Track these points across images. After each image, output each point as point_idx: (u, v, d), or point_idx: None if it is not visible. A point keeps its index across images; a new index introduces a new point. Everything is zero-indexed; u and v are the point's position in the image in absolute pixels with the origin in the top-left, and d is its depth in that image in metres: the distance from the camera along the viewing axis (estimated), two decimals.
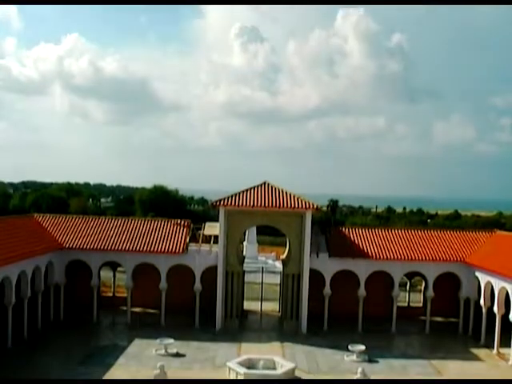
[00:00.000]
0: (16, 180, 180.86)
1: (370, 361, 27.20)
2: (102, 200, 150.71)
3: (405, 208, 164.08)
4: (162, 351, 27.37)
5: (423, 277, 34.97)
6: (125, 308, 34.13)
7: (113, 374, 24.18)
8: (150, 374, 21.91)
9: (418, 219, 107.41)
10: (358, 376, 20.22)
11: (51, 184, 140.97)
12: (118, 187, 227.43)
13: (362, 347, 27.62)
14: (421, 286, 39.61)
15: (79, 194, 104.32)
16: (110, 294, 38.78)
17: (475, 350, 29.52)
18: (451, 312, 35.39)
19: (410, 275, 37.23)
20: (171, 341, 27.79)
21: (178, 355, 27.29)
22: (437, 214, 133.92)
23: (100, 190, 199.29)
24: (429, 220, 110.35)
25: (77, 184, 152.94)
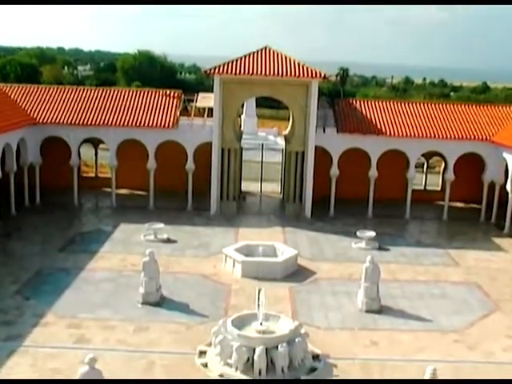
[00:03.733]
0: None
1: (381, 248, 27.79)
2: (79, 68, 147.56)
3: (425, 79, 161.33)
4: (152, 237, 27.88)
5: (443, 157, 34.88)
6: (109, 190, 34.40)
7: (97, 262, 24.75)
8: (137, 262, 22.42)
9: (440, 92, 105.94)
10: (366, 265, 20.65)
11: (19, 49, 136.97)
12: (98, 53, 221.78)
13: (372, 234, 28.09)
14: (440, 167, 39.71)
15: (52, 61, 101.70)
16: (92, 175, 38.96)
17: (498, 240, 30.05)
18: (473, 197, 35.76)
19: (428, 155, 37.14)
20: (161, 225, 28.21)
21: (168, 241, 27.85)
22: (462, 86, 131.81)
23: (76, 55, 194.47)
24: (452, 93, 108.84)
25: (49, 49, 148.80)
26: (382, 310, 20.85)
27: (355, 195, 34.43)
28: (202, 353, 17.34)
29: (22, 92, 34.59)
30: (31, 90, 34.92)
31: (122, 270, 23.94)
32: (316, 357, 17.34)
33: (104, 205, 34.26)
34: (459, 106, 35.58)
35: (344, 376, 16.33)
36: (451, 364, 17.17)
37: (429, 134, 32.86)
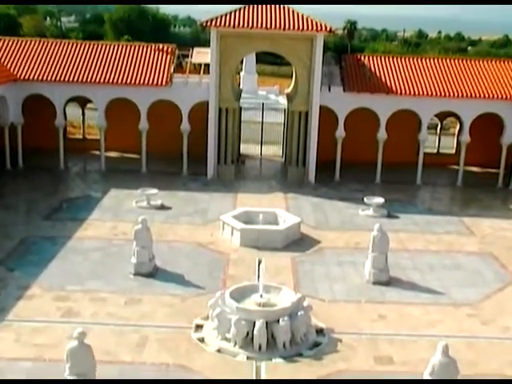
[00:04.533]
0: None
1: (390, 216, 27.82)
2: (63, 19, 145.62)
3: (440, 32, 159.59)
4: (144, 203, 27.89)
5: (458, 118, 34.65)
6: (97, 153, 34.28)
7: (85, 230, 24.78)
8: (129, 230, 22.43)
9: (456, 46, 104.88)
10: (374, 233, 20.65)
11: None
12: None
13: (381, 200, 28.08)
14: (454, 128, 39.53)
15: (33, 11, 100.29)
16: (80, 136, 38.79)
17: None
18: (490, 161, 35.67)
19: (442, 116, 36.91)
20: (154, 191, 28.20)
21: (162, 208, 27.87)
22: (480, 39, 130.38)
23: (60, 6, 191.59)
24: (470, 47, 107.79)
25: None
26: (390, 282, 20.92)
27: (363, 159, 34.32)
28: (199, 327, 17.47)
29: (0, 45, 34.12)
30: (10, 43, 34.41)
31: (113, 238, 23.97)
32: (320, 331, 17.47)
33: (92, 169, 34.17)
34: (477, 62, 35.15)
35: (349, 352, 16.47)
36: (464, 340, 17.31)
37: (443, 93, 32.56)
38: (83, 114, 38.36)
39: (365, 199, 28.19)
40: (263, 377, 15.18)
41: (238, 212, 25.59)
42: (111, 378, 14.51)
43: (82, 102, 36.80)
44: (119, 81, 32.13)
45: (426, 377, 13.17)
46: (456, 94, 32.54)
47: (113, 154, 35.82)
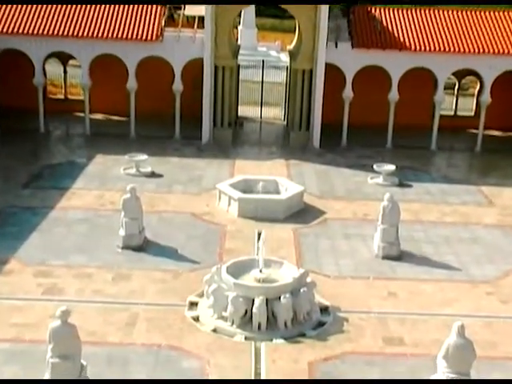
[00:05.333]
0: None
1: (401, 185, 27.78)
2: None
3: None
4: (133, 170, 27.86)
5: (478, 76, 34.44)
6: (81, 114, 34.08)
7: (69, 200, 24.76)
8: (117, 199, 22.38)
9: None
10: (384, 203, 20.61)
11: None
12: None
13: (392, 167, 28.02)
14: (474, 88, 39.20)
15: None
16: (61, 96, 38.56)
17: None
18: None
19: (461, 74, 36.58)
20: (144, 157, 28.11)
21: (153, 175, 27.82)
22: None
23: None
24: None
25: None
26: (401, 256, 20.97)
27: (372, 122, 34.10)
28: (193, 305, 17.54)
29: None
30: None
31: (99, 209, 23.97)
32: (324, 309, 17.55)
33: (76, 132, 34.04)
34: (500, 13, 34.71)
35: (356, 332, 16.55)
36: (481, 319, 17.38)
37: (462, 49, 32.23)
38: (65, 71, 38.01)
39: (374, 166, 28.11)
40: (263, 359, 15.25)
41: (235, 180, 25.56)
42: (97, 359, 14.60)
43: (64, 58, 36.44)
44: (105, 35, 31.72)
45: (440, 360, 13.20)
46: (476, 50, 32.20)
47: (98, 117, 35.63)
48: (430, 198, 26.59)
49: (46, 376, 12.87)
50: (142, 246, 20.91)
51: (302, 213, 24.38)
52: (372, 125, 34.05)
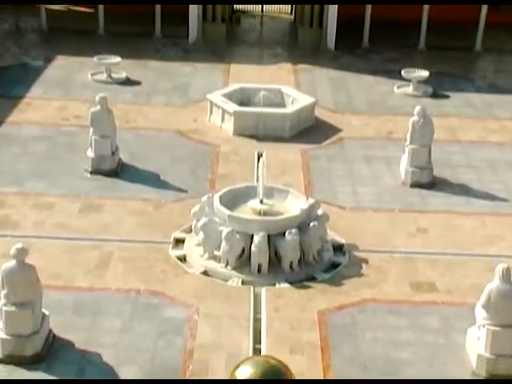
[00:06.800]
0: None
1: (436, 95, 27.63)
2: None
3: None
4: (103, 76, 27.71)
5: None
6: (36, 4, 33.54)
7: (23, 112, 24.66)
8: (83, 112, 22.28)
9: None
10: (414, 118, 20.41)
11: None
12: None
13: (424, 73, 27.85)
14: None
15: None
16: None
17: None
18: None
19: None
20: (117, 59, 27.93)
21: (128, 82, 27.72)
22: None
23: None
24: None
25: None
26: (434, 184, 21.01)
27: (401, 17, 33.60)
28: (178, 242, 17.64)
29: None
30: None
31: (61, 124, 23.92)
32: (339, 248, 17.66)
33: (29, 27, 33.85)
34: None
35: (378, 275, 16.68)
36: None
37: None
38: None
39: (402, 72, 27.95)
40: (263, 307, 15.41)
41: (230, 89, 25.40)
42: (62, 308, 14.77)
43: None
44: None
45: (479, 309, 13.35)
46: None
47: (57, 7, 35.20)
48: (472, 112, 26.51)
49: None
50: (115, 170, 20.89)
51: (312, 130, 24.32)
52: (401, 20, 33.60)
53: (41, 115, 24.40)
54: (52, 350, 13.49)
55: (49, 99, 25.69)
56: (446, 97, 27.73)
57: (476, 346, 13.52)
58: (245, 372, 10.51)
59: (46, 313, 13.43)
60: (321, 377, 13.19)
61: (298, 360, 13.42)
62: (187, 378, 13.02)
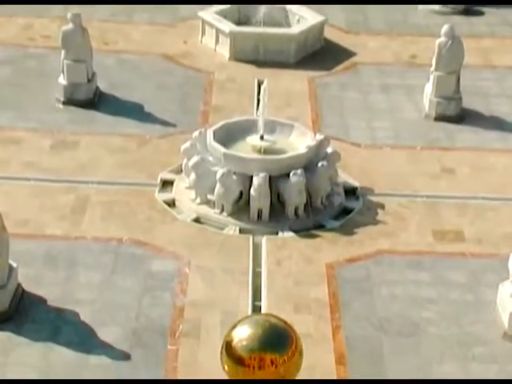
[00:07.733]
0: None
1: (467, 12, 27.30)
2: None
3: None
4: None
5: None
6: None
7: None
8: (54, 31, 22.07)
9: None
10: (441, 40, 20.19)
11: None
12: None
13: None
14: None
15: None
16: None
17: None
18: None
19: None
20: None
21: None
22: None
23: None
24: None
25: None
26: (462, 117, 20.98)
27: None
28: (166, 184, 17.69)
29: None
30: None
31: (27, 45, 23.80)
32: (351, 192, 17.70)
33: None
34: None
35: (396, 223, 16.74)
36: None
37: None
38: None
39: None
40: (264, 259, 15.50)
41: (226, 6, 25.11)
42: (33, 259, 14.85)
43: None
44: None
45: None
46: None
47: None
48: (510, 31, 26.31)
49: None
50: (92, 100, 20.85)
51: (321, 54, 24.23)
52: None
53: (3, 35, 24.20)
54: (21, 307, 13.63)
55: (10, 16, 25.37)
56: (480, 14, 27.45)
57: (508, 304, 13.59)
58: (242, 333, 10.48)
59: (14, 265, 13.49)
60: (329, 338, 13.30)
61: (304, 319, 13.55)
62: (177, 338, 13.12)
